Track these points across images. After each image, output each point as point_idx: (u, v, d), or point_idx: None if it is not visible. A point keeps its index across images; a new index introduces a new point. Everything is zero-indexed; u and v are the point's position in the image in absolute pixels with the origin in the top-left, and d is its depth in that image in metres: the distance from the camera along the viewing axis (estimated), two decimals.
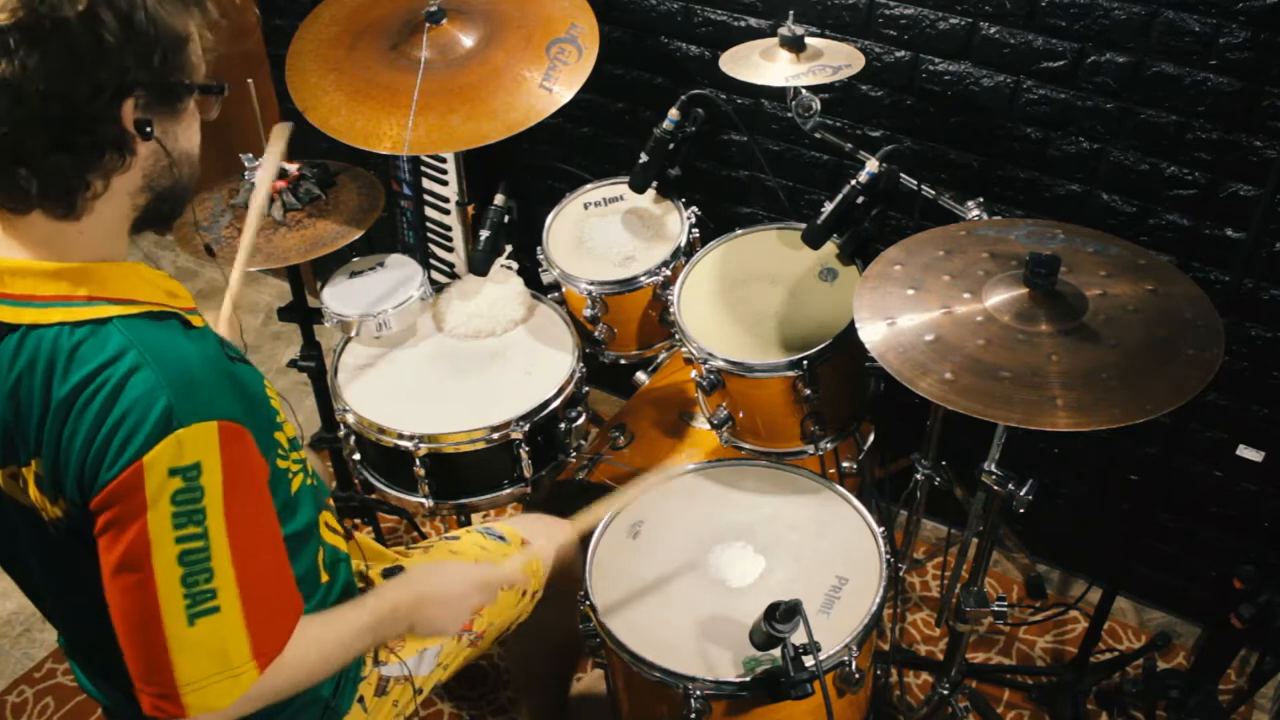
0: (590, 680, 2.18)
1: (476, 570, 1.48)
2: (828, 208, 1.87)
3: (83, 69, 0.98)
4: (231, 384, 1.09)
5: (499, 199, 2.13)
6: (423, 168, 2.66)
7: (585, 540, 1.78)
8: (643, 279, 2.09)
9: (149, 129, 1.05)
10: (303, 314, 2.33)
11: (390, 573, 1.56)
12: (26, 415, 1.06)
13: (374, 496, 2.12)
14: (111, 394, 1.02)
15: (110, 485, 1.02)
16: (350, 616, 1.27)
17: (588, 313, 2.12)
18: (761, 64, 1.96)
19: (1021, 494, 1.61)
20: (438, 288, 2.21)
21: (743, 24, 2.27)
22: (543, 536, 1.80)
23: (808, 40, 1.96)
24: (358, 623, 1.26)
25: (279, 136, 1.82)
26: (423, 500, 2.00)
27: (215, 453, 1.04)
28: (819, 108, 2.02)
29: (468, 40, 2.07)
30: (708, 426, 2.00)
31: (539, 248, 2.20)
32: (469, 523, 2.19)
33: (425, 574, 1.44)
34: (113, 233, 1.11)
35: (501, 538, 1.74)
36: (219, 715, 1.09)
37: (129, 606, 1.05)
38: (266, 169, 1.80)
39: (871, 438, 2.19)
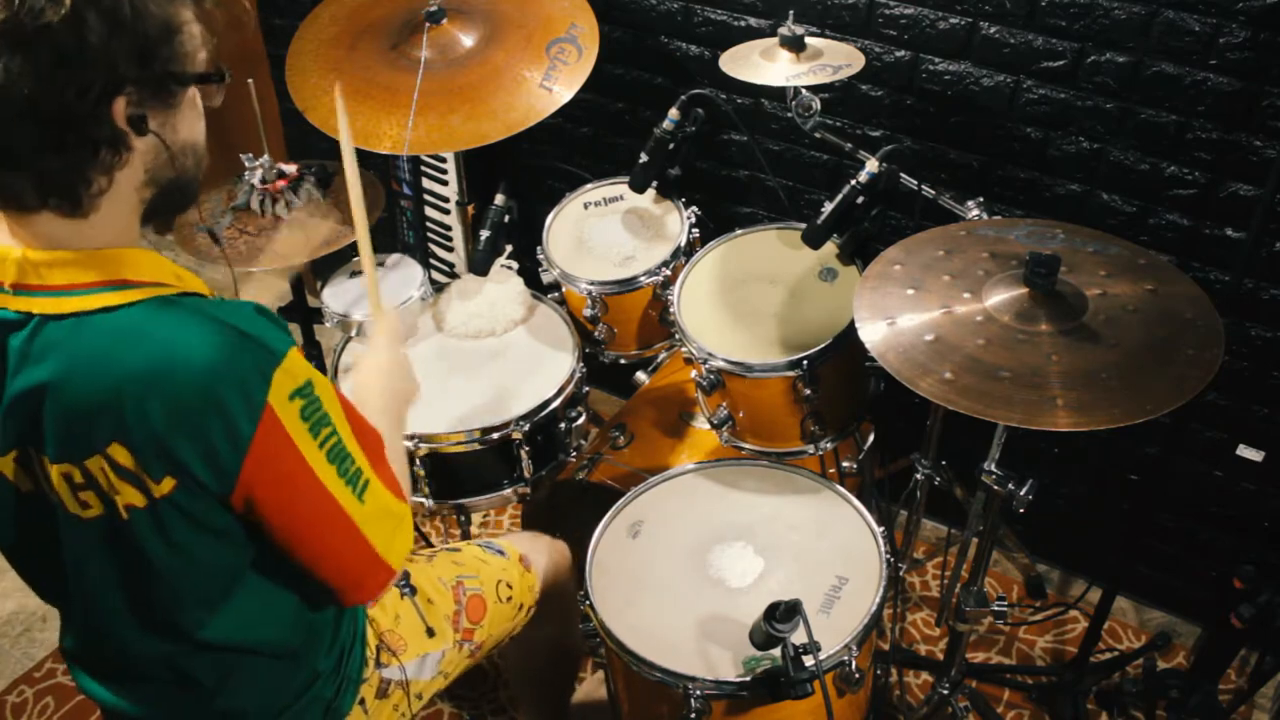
0: (591, 685, 2.18)
1: (372, 351, 1.59)
2: (828, 208, 1.87)
3: (68, 71, 0.97)
4: (275, 323, 1.13)
5: (499, 199, 2.13)
6: (423, 168, 2.66)
7: (584, 541, 1.78)
8: (643, 279, 2.09)
9: (144, 124, 1.04)
10: (303, 314, 2.33)
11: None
12: (90, 406, 1.04)
13: None
14: (198, 358, 1.02)
15: (254, 440, 1.05)
16: (382, 425, 1.35)
17: (588, 313, 2.12)
18: (761, 64, 1.95)
19: (1021, 494, 1.61)
20: (438, 288, 2.21)
21: (743, 24, 2.27)
22: (543, 558, 1.80)
23: (808, 40, 1.96)
24: (390, 426, 1.40)
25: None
26: (423, 500, 1.99)
27: (309, 366, 1.11)
28: (819, 108, 2.02)
29: (468, 40, 2.07)
30: (708, 426, 2.00)
31: (539, 248, 2.20)
32: (469, 522, 2.19)
33: (365, 370, 1.56)
34: (124, 225, 1.10)
35: (501, 552, 1.75)
36: (407, 556, 1.26)
37: (323, 530, 1.15)
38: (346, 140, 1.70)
39: (871, 438, 2.19)
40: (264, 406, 1.04)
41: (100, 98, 1.00)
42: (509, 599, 1.69)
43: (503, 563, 1.73)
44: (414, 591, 1.57)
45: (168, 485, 1.07)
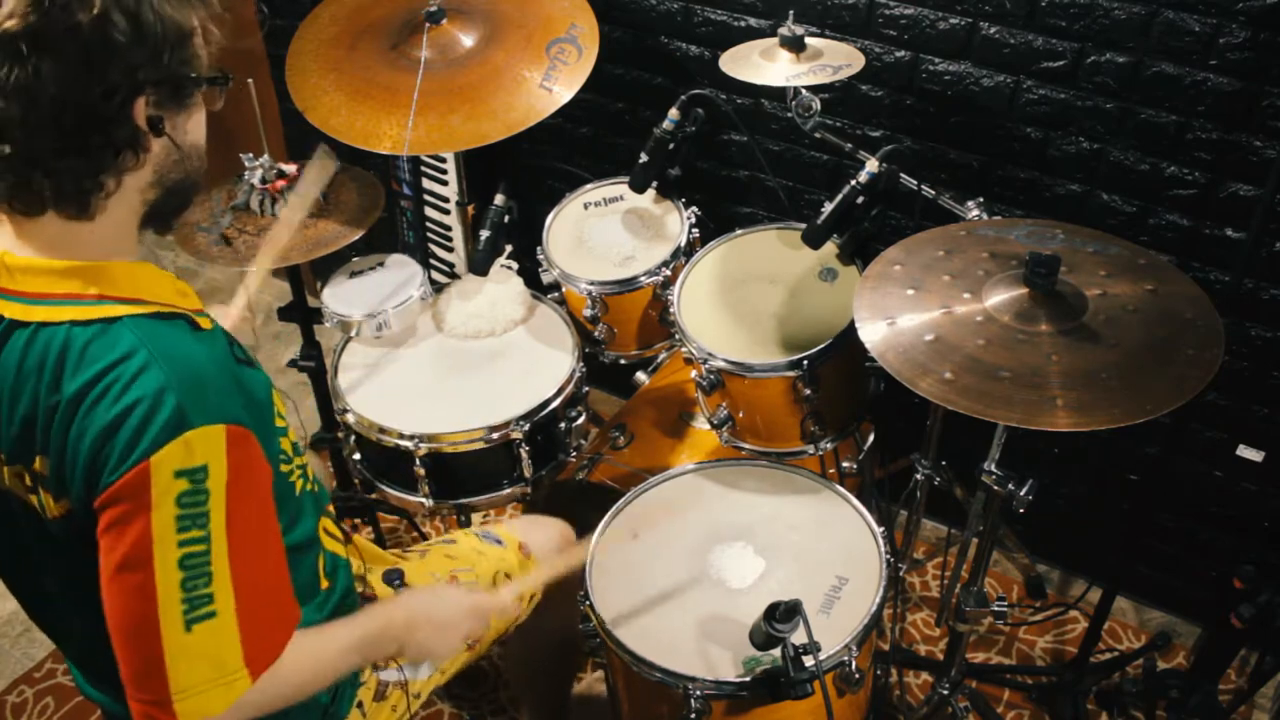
0: (590, 681, 2.18)
1: (471, 597, 1.46)
2: (828, 208, 1.87)
3: (95, 71, 0.98)
4: (238, 387, 1.09)
5: (499, 199, 2.13)
6: (423, 168, 2.66)
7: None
8: (643, 279, 2.09)
9: (161, 125, 1.05)
10: (303, 314, 2.33)
11: (390, 575, 1.56)
12: (34, 413, 1.06)
13: (374, 497, 2.12)
14: (120, 392, 1.01)
15: (116, 484, 1.01)
16: (342, 634, 1.26)
17: (588, 313, 2.12)
18: (761, 64, 1.95)
19: (1021, 494, 1.61)
20: (438, 288, 2.21)
21: (743, 24, 2.27)
22: (544, 541, 1.79)
23: (808, 40, 1.96)
24: (348, 640, 1.26)
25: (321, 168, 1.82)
26: (423, 500, 1.99)
27: (222, 456, 1.04)
28: (819, 108, 2.02)
29: (468, 40, 2.07)
30: (708, 426, 2.00)
31: (539, 248, 2.20)
32: (469, 523, 2.19)
33: (421, 596, 1.44)
34: (123, 230, 1.11)
35: (498, 541, 1.74)
36: None
37: (126, 609, 1.05)
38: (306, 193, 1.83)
39: (871, 438, 2.19)
40: (142, 460, 1.00)
41: (125, 99, 1.01)
42: (504, 614, 1.68)
43: (500, 552, 1.72)
44: None
45: (63, 507, 1.07)
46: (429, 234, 2.76)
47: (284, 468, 1.21)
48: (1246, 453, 2.11)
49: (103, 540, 1.05)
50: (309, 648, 1.19)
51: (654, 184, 2.17)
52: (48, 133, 0.99)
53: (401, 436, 1.92)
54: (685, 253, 2.11)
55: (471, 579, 1.65)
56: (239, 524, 1.06)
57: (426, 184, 2.68)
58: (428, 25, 2.06)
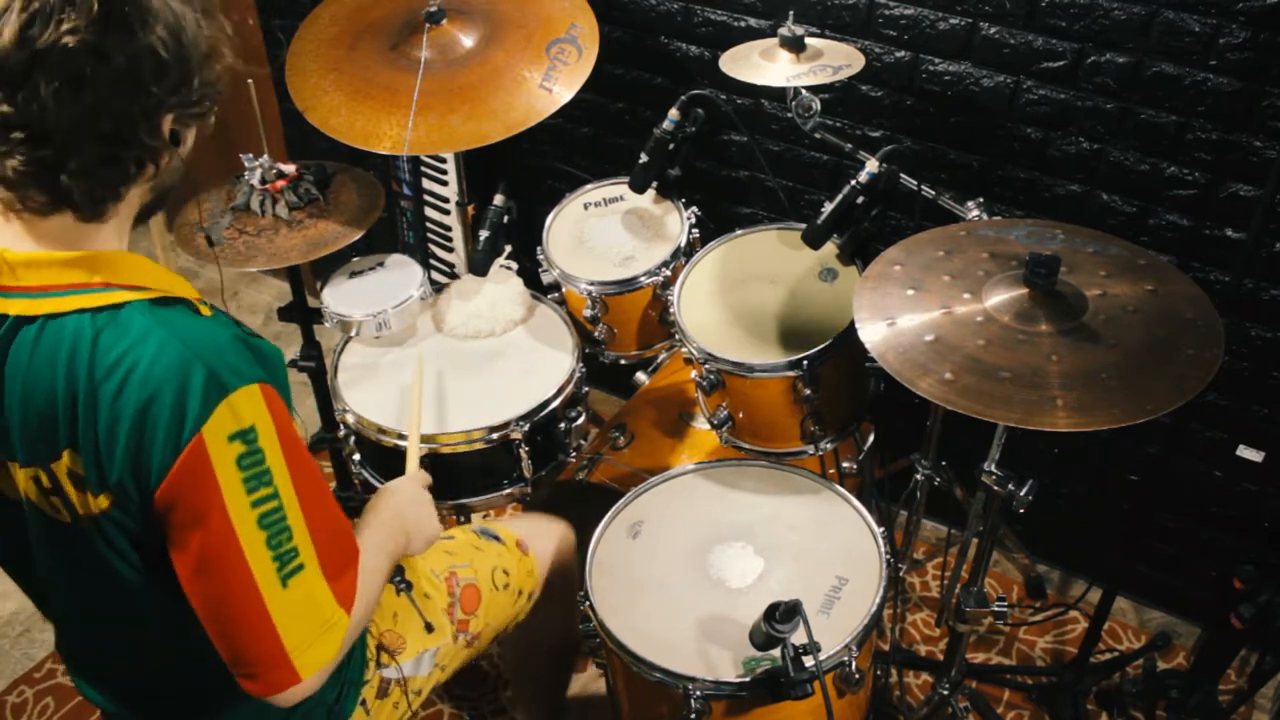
0: (588, 679, 2.18)
1: (401, 480, 1.55)
2: (828, 208, 1.87)
3: (142, 89, 1.00)
4: (254, 354, 1.10)
5: (499, 199, 2.13)
6: (423, 168, 2.66)
7: (584, 541, 1.78)
8: (643, 279, 2.09)
9: (180, 139, 1.09)
10: (303, 314, 2.33)
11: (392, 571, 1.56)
12: (51, 409, 1.05)
13: None
14: (146, 374, 1.01)
15: (175, 467, 1.01)
16: (371, 541, 1.32)
17: (588, 313, 2.12)
18: (761, 64, 1.96)
19: (1021, 494, 1.61)
20: (438, 288, 2.21)
21: (743, 24, 2.27)
22: (543, 539, 1.80)
23: (808, 40, 1.96)
24: (378, 542, 1.33)
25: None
26: None
27: (266, 412, 1.05)
28: (819, 108, 2.02)
29: (468, 40, 2.07)
30: (708, 426, 2.00)
31: (539, 248, 2.20)
32: (469, 522, 2.19)
33: (381, 494, 1.49)
34: (123, 230, 1.12)
35: (496, 538, 1.75)
36: (324, 670, 1.12)
37: (221, 585, 1.06)
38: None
39: (871, 438, 2.19)
40: (194, 435, 1.01)
41: (161, 114, 1.04)
42: (506, 586, 1.69)
43: (498, 549, 1.72)
44: (410, 587, 1.57)
45: (104, 502, 1.06)
46: (429, 234, 2.76)
47: None
48: (1246, 453, 2.11)
49: (175, 528, 1.05)
50: (366, 567, 1.23)
51: (654, 184, 2.17)
52: (88, 143, 1.00)
53: (401, 437, 1.92)
54: (685, 253, 2.11)
55: (470, 575, 1.65)
56: (299, 473, 1.08)
57: (426, 184, 2.68)
58: (428, 25, 2.06)
